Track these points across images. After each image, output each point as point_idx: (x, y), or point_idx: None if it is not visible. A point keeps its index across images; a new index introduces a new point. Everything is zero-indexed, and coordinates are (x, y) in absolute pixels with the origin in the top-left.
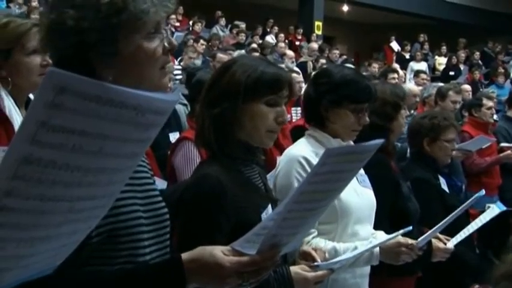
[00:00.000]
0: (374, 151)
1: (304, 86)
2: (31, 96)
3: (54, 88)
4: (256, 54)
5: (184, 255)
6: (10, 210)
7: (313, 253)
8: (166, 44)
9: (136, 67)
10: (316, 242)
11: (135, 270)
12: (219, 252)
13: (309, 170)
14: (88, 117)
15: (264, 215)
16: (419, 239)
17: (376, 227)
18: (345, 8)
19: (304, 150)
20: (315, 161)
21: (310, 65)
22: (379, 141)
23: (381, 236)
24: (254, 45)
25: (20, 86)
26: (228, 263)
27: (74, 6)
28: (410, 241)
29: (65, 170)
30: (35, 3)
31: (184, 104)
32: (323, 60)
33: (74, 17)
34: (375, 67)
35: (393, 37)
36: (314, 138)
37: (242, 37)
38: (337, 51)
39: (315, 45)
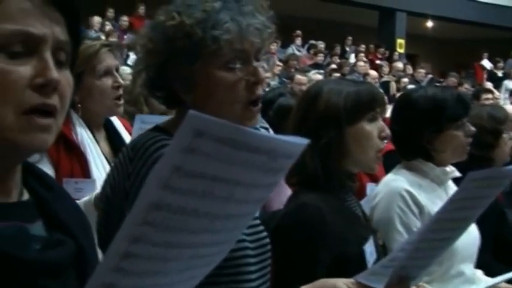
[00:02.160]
0: None
1: (388, 107)
2: (115, 120)
3: (192, 131)
4: (337, 74)
5: None
6: (136, 257)
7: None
8: (250, 76)
9: (211, 96)
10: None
11: None
12: (342, 285)
13: (411, 204)
14: (221, 162)
15: (365, 248)
16: None
17: (478, 260)
18: (429, 23)
19: (406, 183)
20: (418, 193)
21: (393, 85)
22: None
23: (482, 277)
24: (334, 66)
25: (92, 111)
26: None
27: (152, 27)
28: None
29: (193, 216)
30: (109, 27)
31: (266, 128)
32: (405, 80)
33: (149, 37)
34: (467, 88)
35: (486, 54)
36: (416, 168)
37: (320, 57)
38: (422, 71)
39: (399, 65)
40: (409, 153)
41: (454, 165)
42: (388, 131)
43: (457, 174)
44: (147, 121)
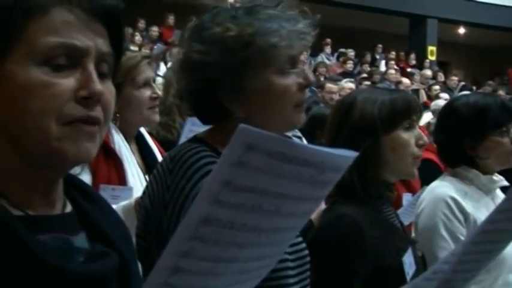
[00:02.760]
0: None
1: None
2: (142, 130)
3: (243, 145)
4: (367, 83)
5: None
6: (184, 271)
7: None
8: (301, 79)
9: (268, 104)
10: None
11: None
12: None
13: (456, 211)
14: (270, 175)
15: (404, 259)
16: None
17: None
18: (461, 30)
19: (451, 190)
20: (463, 201)
21: (422, 93)
22: None
23: None
24: (364, 74)
25: (129, 121)
26: None
27: (201, 40)
28: None
29: (241, 230)
30: (137, 37)
31: (299, 137)
32: (437, 87)
33: (200, 50)
34: (502, 95)
35: None
36: (461, 176)
37: (350, 65)
38: (455, 78)
39: (428, 72)
40: (453, 161)
41: (499, 173)
42: (425, 139)
43: (505, 183)
44: (198, 123)
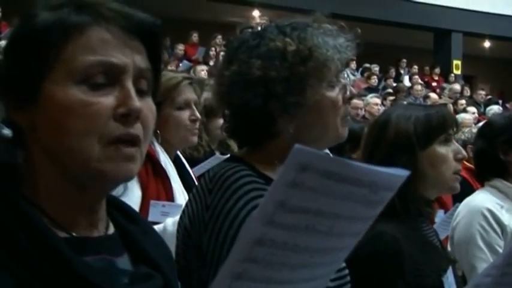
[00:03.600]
0: None
1: None
2: (178, 153)
3: (297, 166)
4: (392, 98)
5: None
6: None
7: None
8: (347, 92)
9: (320, 117)
10: None
11: None
12: None
13: (493, 223)
14: (324, 196)
15: (445, 279)
16: None
17: None
18: (487, 43)
19: (487, 202)
20: (499, 213)
21: (450, 107)
22: None
23: None
24: (390, 90)
25: (168, 141)
26: None
27: (260, 56)
28: None
29: (294, 251)
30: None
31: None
32: (462, 101)
33: (261, 66)
34: None
35: None
36: (496, 189)
37: (374, 80)
38: (482, 92)
39: (457, 87)
40: (488, 170)
41: None
42: (464, 153)
43: None
44: None
